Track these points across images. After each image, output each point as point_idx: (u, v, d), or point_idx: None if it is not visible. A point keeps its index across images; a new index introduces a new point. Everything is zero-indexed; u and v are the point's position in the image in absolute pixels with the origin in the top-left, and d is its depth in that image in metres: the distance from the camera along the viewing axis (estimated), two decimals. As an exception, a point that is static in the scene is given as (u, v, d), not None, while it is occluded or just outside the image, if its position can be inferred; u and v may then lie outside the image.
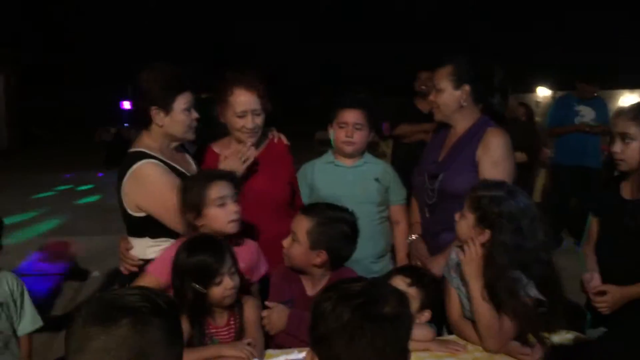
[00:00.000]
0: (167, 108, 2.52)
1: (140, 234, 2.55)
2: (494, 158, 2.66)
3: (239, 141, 2.84)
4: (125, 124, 16.20)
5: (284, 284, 2.43)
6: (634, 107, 2.56)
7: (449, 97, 2.77)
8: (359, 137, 3.07)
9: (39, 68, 23.40)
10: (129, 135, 15.68)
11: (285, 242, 2.43)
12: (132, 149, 2.58)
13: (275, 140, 3.02)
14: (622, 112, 2.56)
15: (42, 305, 3.99)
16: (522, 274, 2.15)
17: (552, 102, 13.66)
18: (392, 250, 3.24)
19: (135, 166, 2.48)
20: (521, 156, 5.68)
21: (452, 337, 2.38)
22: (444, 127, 2.92)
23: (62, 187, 12.44)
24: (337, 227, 2.40)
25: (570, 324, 2.32)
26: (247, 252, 2.46)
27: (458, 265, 2.32)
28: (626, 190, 2.59)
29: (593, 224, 2.78)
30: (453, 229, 2.61)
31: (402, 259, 3.14)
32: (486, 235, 2.19)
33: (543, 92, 17.55)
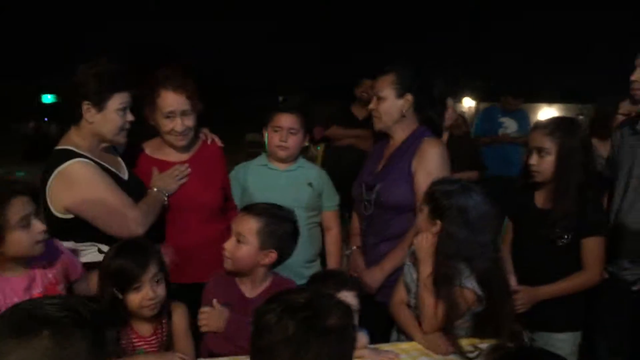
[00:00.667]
0: (100, 105, 2.40)
1: (65, 238, 2.41)
2: (429, 168, 2.68)
3: (170, 144, 2.76)
4: (46, 119, 15.52)
5: (219, 288, 2.36)
6: (550, 122, 2.67)
7: (391, 105, 2.77)
8: (293, 141, 3.05)
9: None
10: (48, 130, 15.07)
11: (229, 245, 2.33)
12: (59, 147, 2.44)
13: (209, 141, 2.95)
14: (539, 126, 2.67)
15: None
16: (466, 266, 2.27)
17: (475, 113, 14.17)
18: (322, 255, 3.24)
19: (63, 165, 2.35)
20: (473, 174, 5.76)
21: (387, 345, 2.40)
22: (383, 137, 2.92)
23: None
24: (284, 226, 2.38)
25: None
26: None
27: (413, 253, 2.42)
28: (539, 199, 2.71)
29: (509, 228, 2.89)
30: (390, 240, 2.66)
31: (333, 265, 3.14)
32: (437, 225, 2.30)
33: (468, 103, 18.15)
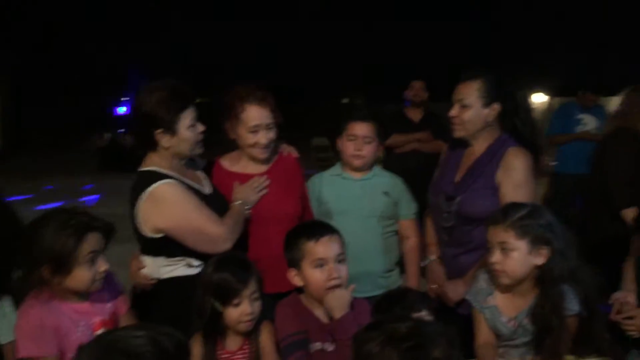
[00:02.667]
0: (172, 129, 2.45)
1: (156, 254, 2.49)
2: (516, 181, 2.57)
3: (251, 157, 2.79)
4: (120, 130, 16.10)
5: (295, 315, 2.27)
6: None
7: (476, 114, 2.66)
8: (368, 150, 3.03)
9: (33, 73, 23.36)
10: (124, 141, 15.62)
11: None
12: (143, 169, 2.51)
13: (285, 153, 2.96)
14: None
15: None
16: (569, 287, 2.19)
17: (548, 109, 13.69)
18: (400, 264, 3.19)
19: (151, 188, 2.41)
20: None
21: None
22: (459, 144, 2.82)
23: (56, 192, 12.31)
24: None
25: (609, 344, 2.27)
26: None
27: (489, 294, 2.29)
28: None
29: (637, 240, 2.71)
30: (472, 251, 2.56)
31: (412, 275, 3.09)
32: (544, 252, 2.19)
33: (540, 98, 17.56)
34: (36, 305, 2.07)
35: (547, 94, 16.75)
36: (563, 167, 6.32)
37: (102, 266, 2.10)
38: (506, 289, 2.28)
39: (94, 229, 2.08)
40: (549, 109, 13.56)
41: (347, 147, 3.03)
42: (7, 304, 2.96)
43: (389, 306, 2.27)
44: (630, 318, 2.47)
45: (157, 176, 2.44)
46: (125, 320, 2.28)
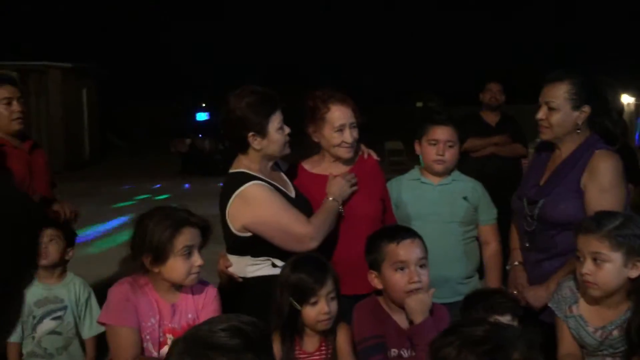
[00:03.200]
0: (263, 132, 2.57)
1: (242, 253, 2.60)
2: (602, 184, 2.49)
3: (336, 157, 2.84)
4: (200, 135, 16.58)
5: (373, 318, 2.29)
6: None
7: (566, 117, 2.57)
8: (450, 155, 3.03)
9: (116, 80, 24.45)
10: (203, 146, 16.08)
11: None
12: (233, 170, 2.64)
13: (365, 156, 3.00)
14: None
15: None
16: None
17: (636, 112, 13.04)
18: (480, 270, 3.15)
19: (242, 188, 2.53)
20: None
21: None
22: (546, 147, 2.76)
23: (141, 197, 12.82)
24: None
25: None
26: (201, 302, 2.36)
27: (574, 303, 2.25)
28: None
29: None
30: (555, 257, 2.49)
31: (493, 280, 3.06)
32: (639, 265, 2.14)
33: (625, 100, 16.74)
34: (127, 283, 2.26)
35: (632, 95, 15.96)
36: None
37: (198, 261, 2.23)
38: (594, 300, 2.23)
39: (191, 224, 2.22)
40: (637, 111, 12.95)
41: (429, 151, 3.04)
42: (93, 302, 3.15)
43: (475, 303, 2.28)
44: None
45: (247, 177, 2.57)
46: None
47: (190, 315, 2.30)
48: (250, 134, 2.57)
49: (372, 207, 2.84)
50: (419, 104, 29.64)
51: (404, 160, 12.98)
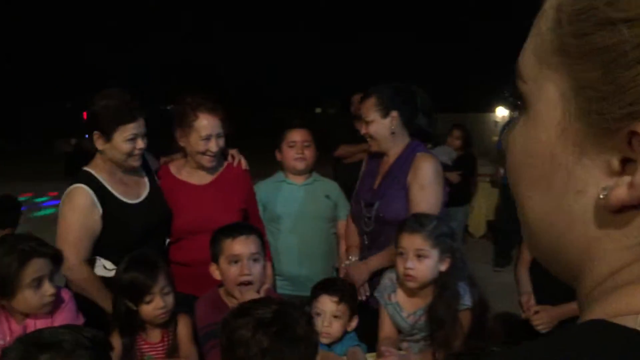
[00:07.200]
0: (108, 135, 2.58)
1: None
2: (422, 182, 2.74)
3: (199, 164, 2.87)
4: (86, 135, 15.95)
5: (213, 308, 2.39)
6: None
7: (379, 126, 2.84)
8: (309, 152, 3.22)
9: (5, 82, 23.12)
10: (88, 147, 15.45)
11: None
12: (84, 168, 2.67)
13: (235, 164, 3.04)
14: None
15: None
16: (464, 285, 2.40)
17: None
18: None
19: (71, 187, 2.58)
20: (453, 176, 6.03)
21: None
22: (376, 155, 2.98)
23: (22, 199, 12.20)
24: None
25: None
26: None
27: (393, 292, 2.49)
28: None
29: (525, 245, 2.93)
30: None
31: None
32: (448, 259, 2.38)
33: (502, 112, 17.96)
34: None
35: (508, 108, 17.12)
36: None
37: (49, 290, 2.16)
38: (410, 290, 2.46)
39: (37, 254, 2.16)
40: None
41: (289, 153, 3.22)
42: None
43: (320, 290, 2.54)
44: (537, 312, 2.72)
45: (83, 177, 2.61)
46: None
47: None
48: (96, 132, 2.59)
49: (229, 217, 2.80)
50: (318, 110, 29.94)
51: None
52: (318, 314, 2.46)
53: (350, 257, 3.03)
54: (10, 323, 2.19)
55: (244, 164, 3.07)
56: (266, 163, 3.45)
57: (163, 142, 2.74)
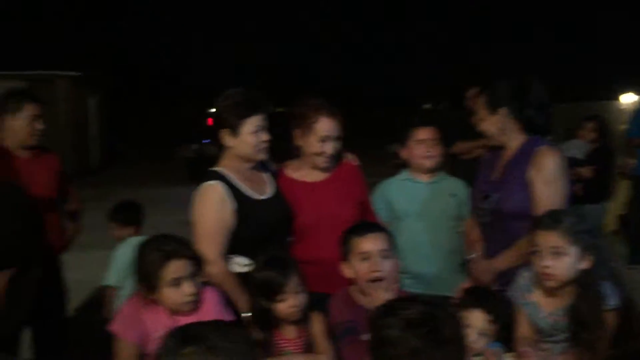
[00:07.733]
0: (235, 130, 2.72)
1: None
2: (546, 177, 2.66)
3: (314, 165, 2.96)
4: (206, 141, 16.64)
5: (345, 306, 2.47)
6: None
7: (488, 123, 2.84)
8: (437, 151, 3.22)
9: (126, 88, 24.62)
10: (209, 152, 16.11)
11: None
12: (211, 168, 2.81)
13: (347, 161, 3.11)
14: None
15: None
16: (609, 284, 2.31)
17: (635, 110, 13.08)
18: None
19: (203, 185, 2.72)
20: (586, 171, 5.57)
21: None
22: (497, 147, 2.94)
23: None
24: None
25: None
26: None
27: (529, 291, 2.41)
28: None
29: None
30: (509, 247, 2.67)
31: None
32: (590, 257, 2.29)
33: (629, 99, 16.79)
34: (140, 296, 2.37)
35: (637, 93, 16.02)
36: (640, 170, 6.14)
37: (189, 290, 2.29)
38: (549, 289, 2.37)
39: (179, 256, 2.29)
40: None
41: (418, 150, 3.22)
42: (121, 249, 3.39)
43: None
44: None
45: (214, 175, 2.74)
46: None
47: None
48: (224, 130, 2.73)
49: (347, 212, 2.91)
50: (427, 106, 29.52)
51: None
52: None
53: (473, 253, 2.99)
54: (163, 316, 2.35)
55: (355, 160, 3.14)
56: (373, 163, 3.44)
57: (275, 143, 2.83)
